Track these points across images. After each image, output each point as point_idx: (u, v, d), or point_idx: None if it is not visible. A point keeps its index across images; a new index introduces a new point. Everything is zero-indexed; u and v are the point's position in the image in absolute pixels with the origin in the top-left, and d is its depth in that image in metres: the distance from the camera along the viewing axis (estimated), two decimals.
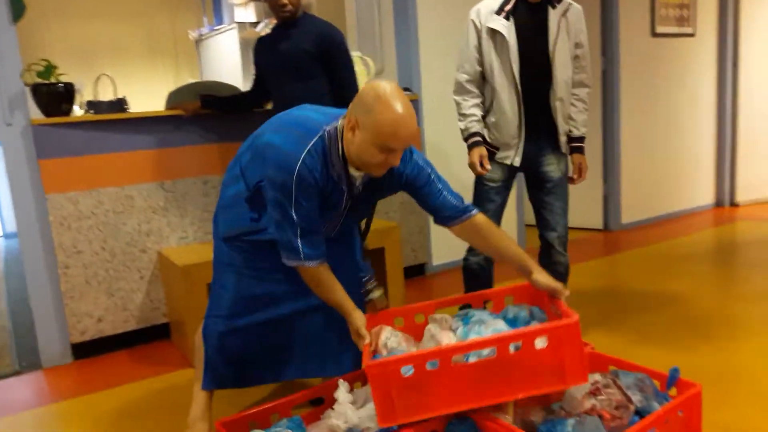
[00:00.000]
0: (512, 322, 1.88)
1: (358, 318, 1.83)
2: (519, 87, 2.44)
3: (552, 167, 2.56)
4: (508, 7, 2.42)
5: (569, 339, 1.67)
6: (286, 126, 1.80)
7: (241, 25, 5.80)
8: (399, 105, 1.65)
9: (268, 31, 5.78)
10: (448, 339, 1.83)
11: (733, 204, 5.62)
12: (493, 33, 2.43)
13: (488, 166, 2.51)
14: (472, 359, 1.73)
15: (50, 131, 2.77)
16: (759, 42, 5.35)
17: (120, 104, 3.15)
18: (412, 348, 1.92)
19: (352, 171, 1.81)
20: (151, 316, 3.08)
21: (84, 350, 2.95)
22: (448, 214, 1.93)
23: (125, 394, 2.57)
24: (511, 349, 1.69)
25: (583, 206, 5.03)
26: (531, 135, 2.51)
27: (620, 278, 3.73)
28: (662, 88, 5.06)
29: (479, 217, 1.94)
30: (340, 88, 2.66)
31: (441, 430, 1.80)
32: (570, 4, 2.46)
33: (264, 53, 2.78)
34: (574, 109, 2.56)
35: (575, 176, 2.61)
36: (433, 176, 1.92)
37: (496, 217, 2.63)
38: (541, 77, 2.45)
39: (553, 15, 2.40)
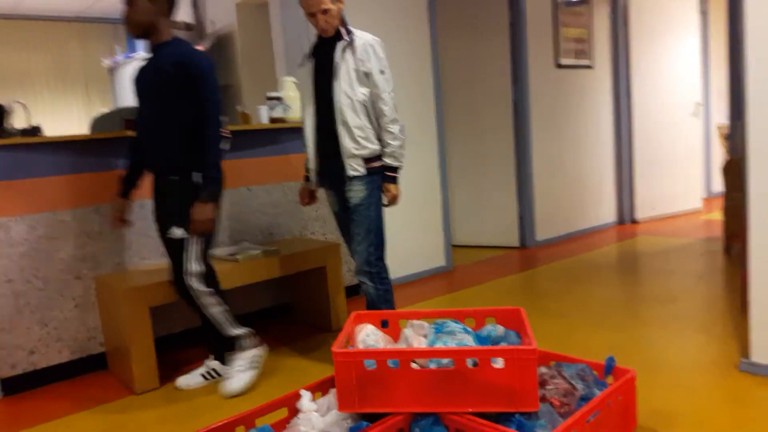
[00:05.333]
0: (483, 340, 2.01)
1: None
2: (315, 117, 2.71)
3: (352, 192, 2.66)
4: (311, 48, 2.74)
5: (524, 364, 1.78)
6: None
7: None
8: None
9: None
10: (418, 344, 1.95)
11: (633, 221, 6.13)
12: (304, 70, 2.75)
13: (306, 200, 2.92)
14: (432, 366, 1.85)
15: None
16: (647, 72, 5.95)
17: (34, 132, 3.06)
18: (388, 348, 2.01)
19: None
20: (87, 346, 2.97)
21: (15, 385, 2.79)
22: None
23: (63, 428, 2.46)
24: (469, 363, 1.81)
25: (500, 225, 5.34)
26: (326, 160, 2.72)
27: (541, 288, 3.99)
28: (567, 115, 5.51)
29: None
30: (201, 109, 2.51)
31: (407, 429, 1.89)
32: (356, 37, 2.61)
33: (135, 80, 2.67)
34: (384, 140, 2.65)
35: (386, 202, 2.72)
36: None
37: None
38: (330, 105, 2.64)
39: (339, 47, 2.60)
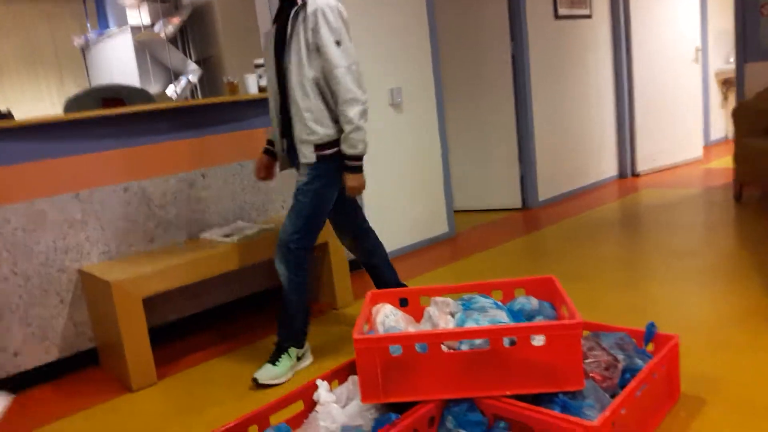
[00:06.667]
0: (516, 315, 1.82)
1: None
2: (278, 93, 2.38)
3: (300, 176, 2.42)
4: (275, 14, 2.41)
5: (568, 340, 1.60)
6: None
7: (135, 28, 5.42)
8: None
9: (168, 30, 5.44)
10: (444, 323, 1.76)
11: (635, 174, 5.96)
12: (267, 38, 2.43)
13: (261, 174, 2.63)
14: (464, 347, 1.66)
15: None
16: (647, 21, 5.71)
17: (5, 117, 2.79)
18: (410, 329, 1.82)
19: None
20: (76, 342, 2.77)
21: (1, 390, 2.59)
22: None
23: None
24: (506, 342, 1.63)
25: (501, 187, 5.14)
26: (288, 141, 2.45)
27: (551, 250, 3.82)
28: (566, 68, 5.27)
29: None
30: None
31: (438, 417, 1.71)
32: (306, 4, 2.25)
33: None
34: (341, 123, 2.30)
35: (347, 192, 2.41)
36: None
37: (348, 224, 2.66)
38: (286, 82, 2.34)
39: (292, 16, 2.26)
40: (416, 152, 4.17)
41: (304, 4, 2.24)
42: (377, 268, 2.74)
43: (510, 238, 4.24)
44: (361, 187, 2.38)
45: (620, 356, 1.87)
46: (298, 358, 2.47)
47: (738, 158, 4.27)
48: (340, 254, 3.15)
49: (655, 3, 5.75)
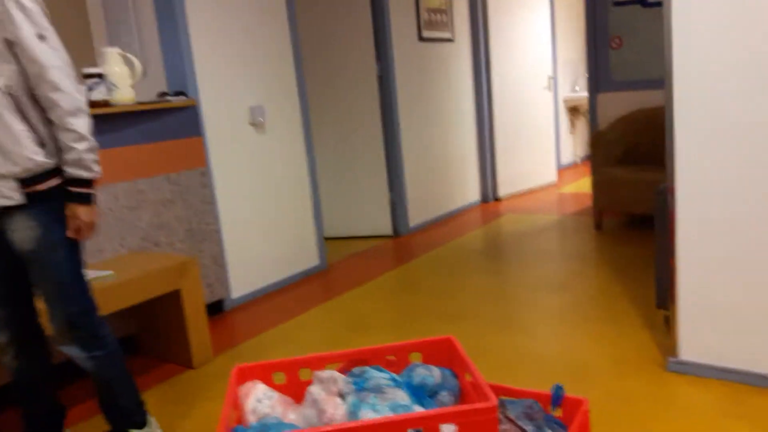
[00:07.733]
0: (416, 391, 1.51)
1: None
2: None
3: (16, 233, 1.74)
4: None
5: (483, 427, 1.34)
6: None
7: None
8: None
9: None
10: (333, 408, 1.41)
11: (496, 199, 6.03)
12: None
13: None
14: None
15: None
16: (505, 48, 5.82)
17: None
18: (290, 415, 1.45)
19: None
20: None
21: None
22: None
23: None
24: None
25: (371, 214, 4.92)
26: None
27: (426, 284, 3.62)
28: (432, 91, 5.18)
29: None
30: None
31: None
32: None
33: None
34: (64, 142, 1.70)
35: (70, 233, 1.78)
36: None
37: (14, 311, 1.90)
38: None
39: None
40: (282, 177, 3.80)
41: None
42: (35, 388, 1.99)
43: (384, 271, 3.99)
44: (93, 224, 1.79)
45: (529, 428, 1.65)
46: None
47: (596, 186, 4.39)
48: (196, 302, 2.68)
49: (512, 30, 5.89)
